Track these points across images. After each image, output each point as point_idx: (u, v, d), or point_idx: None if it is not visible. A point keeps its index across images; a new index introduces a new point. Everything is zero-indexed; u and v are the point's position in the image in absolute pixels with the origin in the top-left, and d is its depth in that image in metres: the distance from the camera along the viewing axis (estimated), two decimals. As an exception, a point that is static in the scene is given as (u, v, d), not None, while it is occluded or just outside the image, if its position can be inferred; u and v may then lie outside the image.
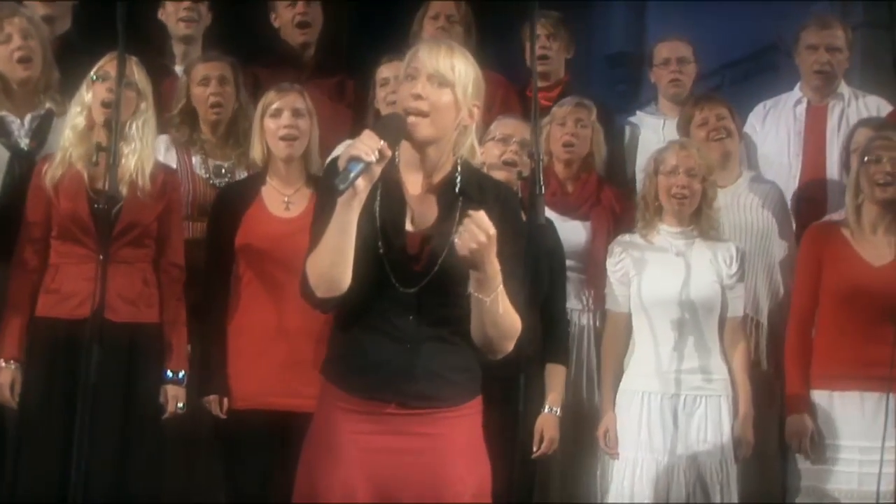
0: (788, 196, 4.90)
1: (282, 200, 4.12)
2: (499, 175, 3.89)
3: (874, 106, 5.05)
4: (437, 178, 2.81)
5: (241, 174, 4.45)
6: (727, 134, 4.70)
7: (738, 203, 4.68)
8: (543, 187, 3.29)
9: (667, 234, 4.34)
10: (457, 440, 2.78)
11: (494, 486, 2.88)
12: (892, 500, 3.99)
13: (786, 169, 4.99)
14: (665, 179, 4.30)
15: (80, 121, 3.97)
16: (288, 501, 2.85)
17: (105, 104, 3.89)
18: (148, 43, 5.01)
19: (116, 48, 3.72)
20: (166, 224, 4.07)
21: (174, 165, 4.39)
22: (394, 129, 2.71)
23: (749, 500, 4.32)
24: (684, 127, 4.77)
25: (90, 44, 4.16)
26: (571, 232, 4.53)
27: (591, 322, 4.57)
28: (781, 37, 6.33)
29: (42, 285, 3.96)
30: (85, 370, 3.37)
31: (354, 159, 2.58)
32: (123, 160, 3.90)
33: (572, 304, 4.49)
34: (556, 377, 4.17)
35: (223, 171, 4.48)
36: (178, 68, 4.87)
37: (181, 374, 4.03)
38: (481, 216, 2.59)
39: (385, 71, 4.73)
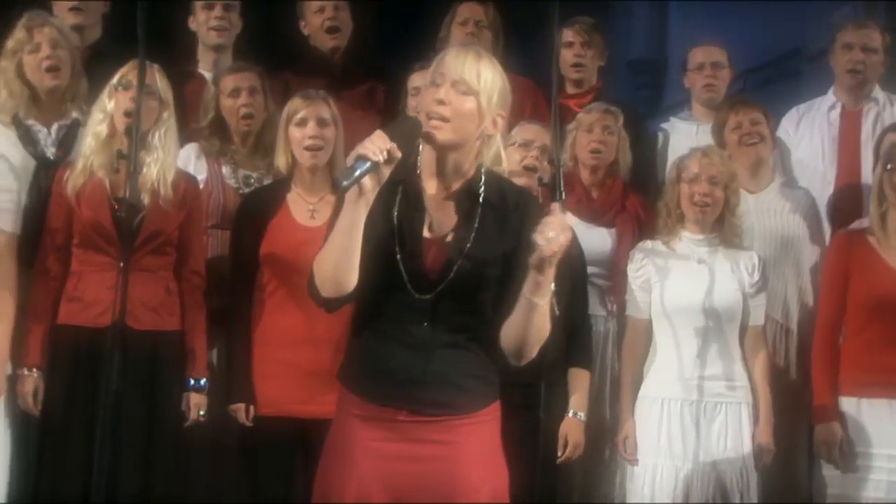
0: (823, 202, 4.60)
1: (307, 209, 3.89)
2: (519, 181, 3.69)
3: (910, 111, 4.74)
4: (458, 184, 2.64)
5: (270, 184, 4.21)
6: (760, 139, 4.42)
7: (769, 209, 4.40)
8: (564, 193, 3.15)
9: (689, 241, 4.09)
10: (471, 448, 2.61)
11: (517, 493, 2.71)
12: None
13: (820, 175, 4.68)
14: (687, 187, 4.06)
15: (102, 129, 3.75)
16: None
17: (127, 113, 3.68)
18: (177, 51, 4.79)
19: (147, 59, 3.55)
20: (187, 232, 3.85)
21: (204, 174, 4.17)
22: (406, 132, 2.54)
23: (773, 508, 4.06)
24: (718, 131, 4.49)
25: (120, 53, 3.90)
26: (596, 239, 4.28)
27: (616, 328, 4.31)
28: (806, 42, 6.08)
29: (64, 293, 3.74)
30: (107, 378, 3.20)
31: (361, 158, 2.43)
32: (145, 169, 3.71)
33: (597, 310, 4.27)
34: (579, 381, 3.96)
35: (252, 181, 4.23)
36: (208, 75, 4.61)
37: (203, 381, 3.81)
38: (559, 214, 2.46)
39: (417, 79, 4.44)
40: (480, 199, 2.61)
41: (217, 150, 4.25)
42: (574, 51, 4.89)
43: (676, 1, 8.03)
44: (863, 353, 3.93)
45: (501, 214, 2.60)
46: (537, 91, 4.83)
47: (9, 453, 3.65)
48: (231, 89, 4.25)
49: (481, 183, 2.62)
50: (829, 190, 4.64)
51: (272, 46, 5.04)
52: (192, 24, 4.78)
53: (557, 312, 2.59)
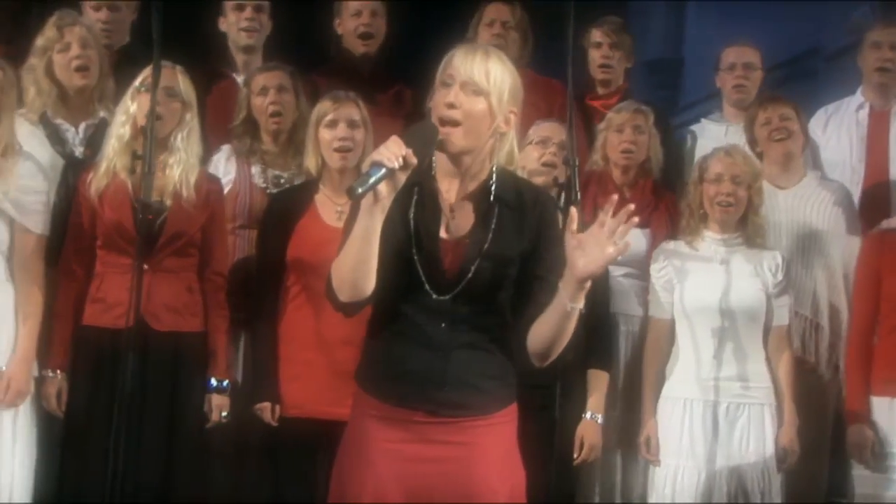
0: (852, 201, 4.31)
1: (335, 210, 3.63)
2: (539, 179, 3.58)
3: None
4: (473, 185, 2.47)
5: (300, 183, 3.98)
6: (788, 135, 4.12)
7: (801, 204, 4.12)
8: (580, 194, 3.04)
9: (712, 241, 3.84)
10: (488, 449, 2.45)
11: (534, 494, 2.54)
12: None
13: (848, 175, 4.38)
14: (710, 187, 3.81)
15: (125, 130, 3.50)
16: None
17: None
18: (208, 53, 4.50)
19: (174, 61, 3.42)
20: (210, 233, 3.60)
21: (233, 175, 3.93)
22: (422, 138, 2.36)
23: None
24: (749, 127, 4.21)
25: (147, 57, 3.59)
26: (631, 239, 3.86)
27: (652, 329, 4.02)
28: (823, 42, 5.78)
29: (88, 294, 3.50)
30: (122, 379, 3.04)
31: (376, 164, 2.26)
32: (168, 171, 3.50)
33: (633, 310, 4.01)
34: (597, 383, 3.74)
35: (282, 181, 3.96)
36: (239, 78, 4.34)
37: (225, 382, 3.56)
38: (604, 231, 2.30)
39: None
40: (496, 199, 2.46)
41: (248, 150, 4.00)
42: (602, 52, 4.62)
43: (693, 1, 7.71)
44: (895, 353, 3.68)
45: (518, 214, 2.46)
46: (566, 92, 4.52)
47: (34, 455, 3.44)
48: (260, 88, 4.01)
49: (497, 182, 2.46)
50: (858, 189, 4.35)
51: (303, 48, 4.78)
52: (223, 25, 4.50)
53: (584, 310, 2.40)
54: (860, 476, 3.71)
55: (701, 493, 3.65)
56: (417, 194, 2.44)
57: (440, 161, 2.46)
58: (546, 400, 3.29)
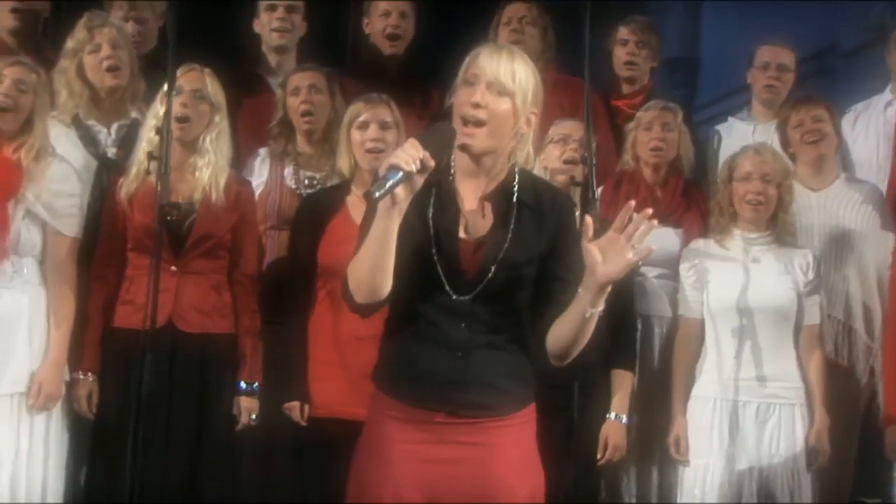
0: (880, 199, 3.97)
1: None
2: (560, 178, 3.38)
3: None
4: (493, 185, 2.33)
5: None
6: (821, 137, 3.78)
7: (833, 206, 3.78)
8: (597, 191, 2.86)
9: (742, 240, 3.55)
10: (507, 449, 2.30)
11: (553, 495, 2.39)
12: None
13: (875, 173, 4.01)
14: (740, 185, 3.53)
15: (155, 134, 3.22)
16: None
17: (179, 118, 3.21)
18: (242, 55, 4.23)
19: (201, 63, 3.23)
20: (240, 235, 3.35)
21: (265, 176, 3.68)
22: (440, 141, 2.21)
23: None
24: (782, 129, 3.87)
25: (177, 61, 3.34)
26: (664, 239, 3.62)
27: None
28: (840, 40, 5.40)
29: (119, 297, 3.27)
30: (138, 380, 2.86)
31: (393, 168, 2.10)
32: (197, 173, 3.27)
33: (666, 311, 3.71)
34: (621, 383, 3.48)
35: (315, 182, 3.68)
36: (273, 80, 4.05)
37: (255, 385, 3.32)
38: (623, 238, 2.13)
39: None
40: (515, 200, 2.31)
41: (282, 152, 3.74)
42: (628, 48, 4.32)
43: (710, 0, 7.34)
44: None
45: (537, 214, 2.32)
46: (592, 92, 4.19)
47: (65, 457, 3.22)
48: (293, 88, 3.74)
49: (515, 183, 2.32)
50: (884, 187, 3.96)
51: (335, 49, 4.54)
52: (257, 26, 4.22)
53: (605, 311, 2.24)
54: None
55: (730, 494, 3.38)
56: (436, 195, 2.29)
57: (460, 161, 2.30)
58: (565, 400, 3.12)
